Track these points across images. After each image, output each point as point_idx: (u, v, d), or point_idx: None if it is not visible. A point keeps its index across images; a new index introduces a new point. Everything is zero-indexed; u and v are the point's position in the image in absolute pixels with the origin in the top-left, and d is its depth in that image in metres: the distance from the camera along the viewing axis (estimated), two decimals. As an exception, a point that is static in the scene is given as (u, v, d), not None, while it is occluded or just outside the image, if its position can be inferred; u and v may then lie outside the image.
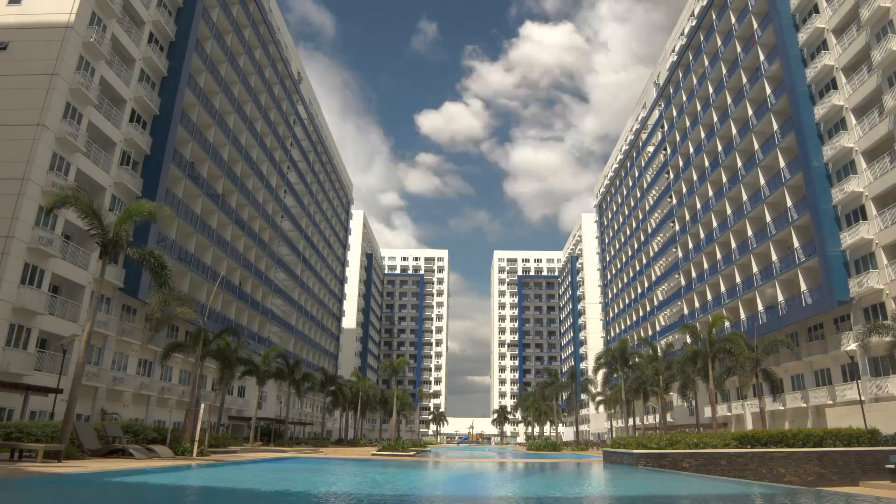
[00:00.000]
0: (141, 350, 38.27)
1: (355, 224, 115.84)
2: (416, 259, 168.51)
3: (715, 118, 55.11)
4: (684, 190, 62.53)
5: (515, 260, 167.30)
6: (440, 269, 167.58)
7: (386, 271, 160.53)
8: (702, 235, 57.93)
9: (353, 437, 69.36)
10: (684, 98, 62.66)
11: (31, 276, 28.09)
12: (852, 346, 33.70)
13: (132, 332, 36.94)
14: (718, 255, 53.59)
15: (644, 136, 78.03)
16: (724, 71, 53.11)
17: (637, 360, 51.78)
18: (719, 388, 41.08)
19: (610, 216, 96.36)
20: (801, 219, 40.57)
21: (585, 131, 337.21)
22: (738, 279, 49.85)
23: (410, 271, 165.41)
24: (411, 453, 34.28)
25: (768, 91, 45.37)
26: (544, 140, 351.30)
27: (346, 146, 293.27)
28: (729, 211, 51.62)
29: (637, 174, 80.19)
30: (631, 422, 56.73)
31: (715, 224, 54.68)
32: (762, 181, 46.18)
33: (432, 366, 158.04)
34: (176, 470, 16.40)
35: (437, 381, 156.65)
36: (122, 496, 11.11)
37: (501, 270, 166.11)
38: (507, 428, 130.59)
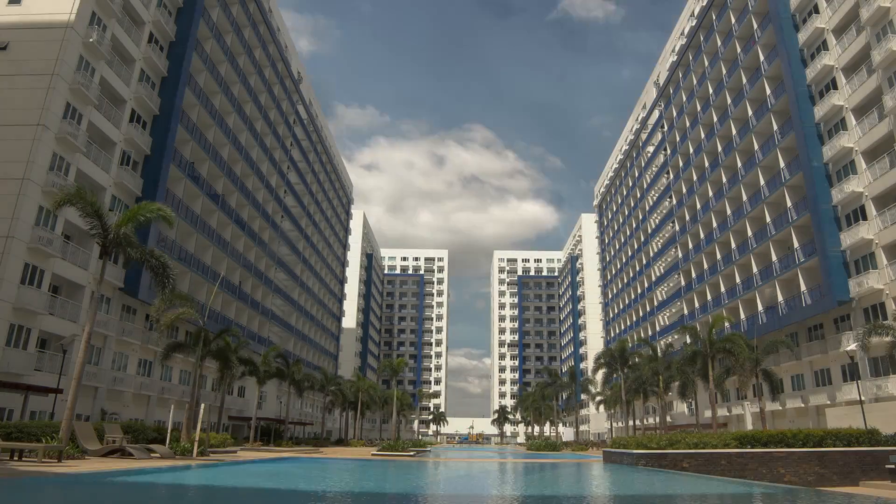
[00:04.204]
0: (141, 350, 38.27)
1: (355, 224, 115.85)
2: (416, 259, 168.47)
3: (715, 118, 55.11)
4: (684, 190, 62.53)
5: (515, 260, 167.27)
6: (440, 269, 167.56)
7: (386, 271, 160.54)
8: (702, 235, 57.93)
9: (352, 437, 69.35)
10: (684, 98, 62.66)
11: (31, 276, 28.09)
12: (852, 346, 33.69)
13: (132, 332, 36.94)
14: (718, 255, 53.59)
15: (644, 136, 78.04)
16: (724, 71, 53.11)
17: (637, 360, 51.77)
18: (719, 389, 41.09)
19: (610, 216, 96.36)
20: (800, 219, 40.56)
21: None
22: (738, 279, 49.85)
23: (410, 271, 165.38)
24: (411, 453, 34.26)
25: (768, 91, 45.36)
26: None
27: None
28: (729, 211, 51.62)
29: (637, 174, 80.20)
30: (631, 422, 56.73)
31: (715, 224, 54.67)
32: (762, 181, 46.18)
33: (432, 366, 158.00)
34: (176, 470, 16.39)
35: (437, 381, 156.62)
36: (122, 496, 11.11)
37: (501, 270, 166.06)
38: (507, 428, 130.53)
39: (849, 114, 37.11)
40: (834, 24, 38.78)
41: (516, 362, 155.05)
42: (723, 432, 23.50)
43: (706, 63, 56.72)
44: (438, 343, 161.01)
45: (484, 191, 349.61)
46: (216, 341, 33.50)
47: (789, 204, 42.12)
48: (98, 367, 33.53)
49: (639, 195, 78.97)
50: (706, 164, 56.72)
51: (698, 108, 58.83)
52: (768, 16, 45.04)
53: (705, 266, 56.70)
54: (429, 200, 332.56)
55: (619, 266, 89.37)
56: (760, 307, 45.94)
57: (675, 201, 65.83)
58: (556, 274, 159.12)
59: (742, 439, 19.50)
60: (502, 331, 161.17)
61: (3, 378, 25.23)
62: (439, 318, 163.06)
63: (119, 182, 35.06)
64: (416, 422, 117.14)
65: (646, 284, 74.81)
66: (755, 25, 47.27)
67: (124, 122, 36.02)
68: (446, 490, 14.75)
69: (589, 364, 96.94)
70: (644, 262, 76.05)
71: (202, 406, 23.13)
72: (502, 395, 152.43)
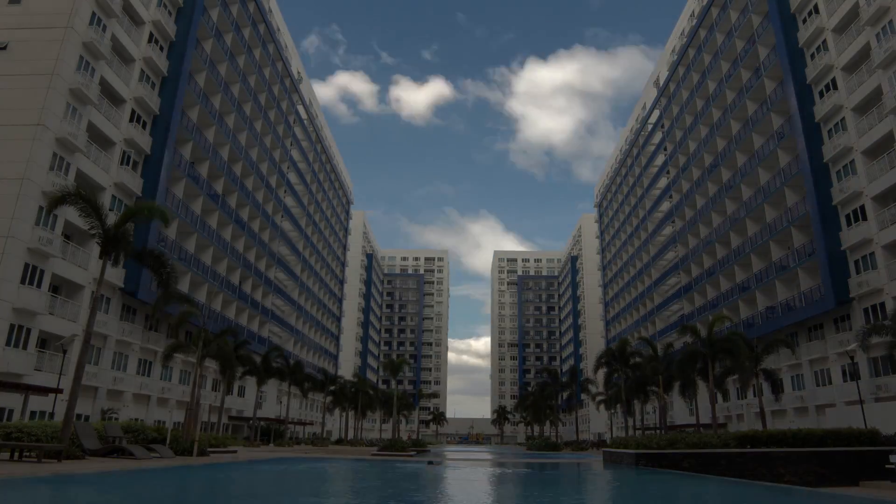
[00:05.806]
0: (141, 350, 38.26)
1: (355, 224, 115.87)
2: (417, 259, 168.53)
3: (715, 116, 55.09)
4: (685, 188, 62.50)
5: (515, 260, 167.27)
6: (440, 269, 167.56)
7: (386, 271, 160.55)
8: (702, 234, 57.90)
9: (352, 437, 69.37)
10: (685, 96, 62.60)
11: (31, 276, 28.08)
12: (852, 346, 33.68)
13: (132, 332, 36.94)
14: (719, 255, 53.55)
15: (644, 135, 78.04)
16: (725, 69, 53.08)
17: (637, 359, 51.68)
18: (719, 388, 41.02)
19: (610, 215, 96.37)
20: (801, 217, 40.57)
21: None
22: (738, 278, 49.83)
23: (410, 271, 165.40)
24: (411, 453, 34.35)
25: (769, 89, 45.35)
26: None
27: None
28: (730, 210, 51.59)
29: (637, 173, 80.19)
30: (631, 422, 56.71)
31: (715, 223, 54.65)
32: (763, 179, 46.18)
33: (432, 366, 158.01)
34: (176, 470, 16.40)
35: (437, 381, 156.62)
36: (122, 496, 11.10)
37: (501, 270, 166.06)
38: (507, 428, 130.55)
39: (849, 113, 37.10)
40: (834, 24, 38.74)
41: (516, 362, 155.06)
42: (723, 432, 23.50)
43: (707, 61, 56.66)
44: (438, 343, 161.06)
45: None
46: (216, 341, 33.53)
47: (790, 202, 42.13)
48: (98, 367, 33.52)
49: (639, 194, 78.96)
50: (707, 162, 56.70)
51: (699, 105, 58.81)
52: (769, 14, 45.01)
53: (705, 265, 56.68)
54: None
55: (619, 265, 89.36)
56: (760, 307, 45.93)
57: (675, 200, 65.84)
58: (555, 274, 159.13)
59: (742, 439, 19.49)
60: (502, 331, 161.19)
61: (3, 378, 25.21)
62: (439, 317, 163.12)
63: (119, 182, 35.06)
64: (416, 422, 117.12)
65: (646, 284, 74.80)
66: (755, 24, 47.26)
67: (124, 122, 36.02)
68: (448, 489, 14.75)
69: (589, 364, 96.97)
70: (644, 261, 76.04)
71: (202, 406, 23.13)
72: (502, 396, 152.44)
